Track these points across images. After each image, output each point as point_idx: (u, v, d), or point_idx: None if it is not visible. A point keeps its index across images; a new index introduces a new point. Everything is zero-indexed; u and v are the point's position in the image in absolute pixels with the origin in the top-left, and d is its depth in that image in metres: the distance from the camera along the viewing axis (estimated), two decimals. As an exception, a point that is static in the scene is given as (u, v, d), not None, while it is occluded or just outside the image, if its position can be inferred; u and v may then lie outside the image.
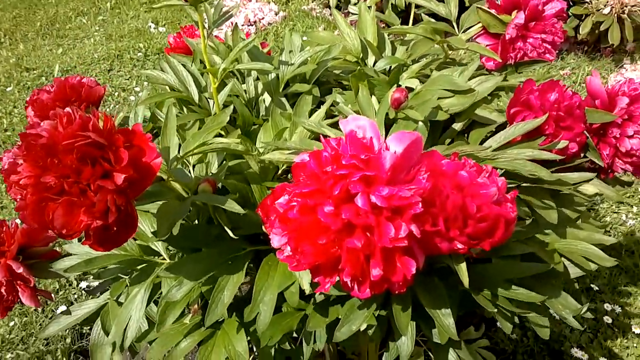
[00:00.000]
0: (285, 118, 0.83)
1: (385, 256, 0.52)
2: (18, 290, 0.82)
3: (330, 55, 0.95)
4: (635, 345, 1.32)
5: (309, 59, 0.95)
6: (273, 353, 0.74)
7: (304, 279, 0.66)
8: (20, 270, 0.81)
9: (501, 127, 0.87)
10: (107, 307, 0.84)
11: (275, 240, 0.56)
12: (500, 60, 0.97)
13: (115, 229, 0.57)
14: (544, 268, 0.74)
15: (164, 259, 0.79)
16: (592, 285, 1.47)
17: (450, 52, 1.05)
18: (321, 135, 0.57)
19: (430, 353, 1.03)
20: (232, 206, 0.64)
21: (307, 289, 0.66)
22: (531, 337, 1.33)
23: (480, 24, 1.02)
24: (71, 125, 0.55)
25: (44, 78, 2.62)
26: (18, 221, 0.83)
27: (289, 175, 0.83)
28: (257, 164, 0.74)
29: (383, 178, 0.51)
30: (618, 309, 1.39)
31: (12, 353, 1.33)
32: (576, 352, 1.25)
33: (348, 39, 1.04)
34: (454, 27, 1.03)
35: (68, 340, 1.36)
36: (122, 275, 0.86)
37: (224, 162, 0.79)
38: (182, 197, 0.70)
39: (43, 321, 1.43)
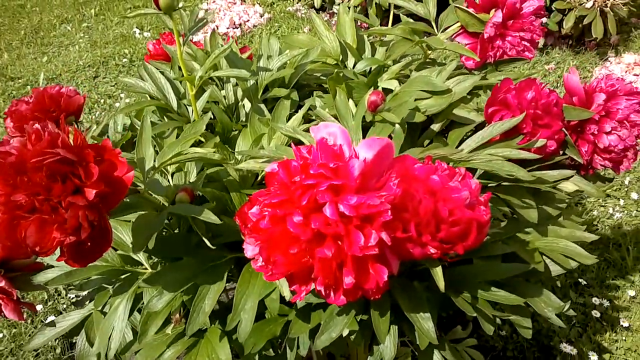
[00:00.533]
0: (264, 124, 0.83)
1: (357, 264, 0.51)
2: (0, 304, 0.81)
3: (308, 59, 0.95)
4: (624, 338, 1.33)
5: (287, 62, 0.95)
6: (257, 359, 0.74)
7: (284, 286, 0.66)
8: (2, 284, 0.80)
9: (480, 126, 0.87)
10: (91, 318, 0.84)
11: (249, 250, 0.56)
12: (479, 60, 0.97)
13: (89, 244, 0.57)
14: (524, 268, 0.74)
15: (145, 268, 0.79)
16: (580, 280, 1.47)
17: (429, 52, 1.05)
18: (292, 143, 0.57)
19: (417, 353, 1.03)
20: (209, 216, 0.64)
21: (288, 296, 0.66)
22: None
23: (459, 23, 1.02)
24: (40, 142, 0.55)
25: (29, 87, 2.60)
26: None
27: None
28: (236, 172, 0.74)
29: (352, 186, 0.50)
30: (606, 303, 1.40)
31: (1, 366, 1.33)
32: (565, 347, 1.25)
33: (327, 42, 1.04)
34: (432, 27, 1.04)
35: (58, 350, 1.35)
36: (106, 285, 0.85)
37: (203, 170, 0.78)
38: (160, 207, 0.70)
39: (32, 332, 1.43)
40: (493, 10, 0.99)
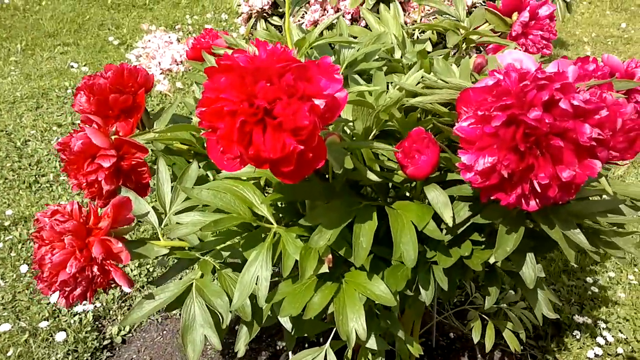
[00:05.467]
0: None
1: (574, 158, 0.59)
2: (110, 270, 0.77)
3: (381, 42, 1.03)
4: None
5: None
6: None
7: (445, 213, 0.71)
8: (120, 246, 0.77)
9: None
10: (196, 286, 0.82)
11: (465, 159, 0.60)
12: (521, 49, 1.11)
13: (310, 155, 0.58)
14: (615, 203, 0.83)
15: (270, 223, 0.79)
16: None
17: (464, 45, 1.17)
18: (489, 70, 0.64)
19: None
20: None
21: (450, 222, 0.70)
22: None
23: (487, 24, 1.16)
24: (275, 54, 0.57)
25: (-37, 116, 2.41)
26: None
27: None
28: (373, 119, 0.78)
29: (572, 88, 0.58)
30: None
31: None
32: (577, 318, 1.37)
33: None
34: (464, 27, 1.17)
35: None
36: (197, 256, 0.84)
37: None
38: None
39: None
40: (516, 13, 1.14)
